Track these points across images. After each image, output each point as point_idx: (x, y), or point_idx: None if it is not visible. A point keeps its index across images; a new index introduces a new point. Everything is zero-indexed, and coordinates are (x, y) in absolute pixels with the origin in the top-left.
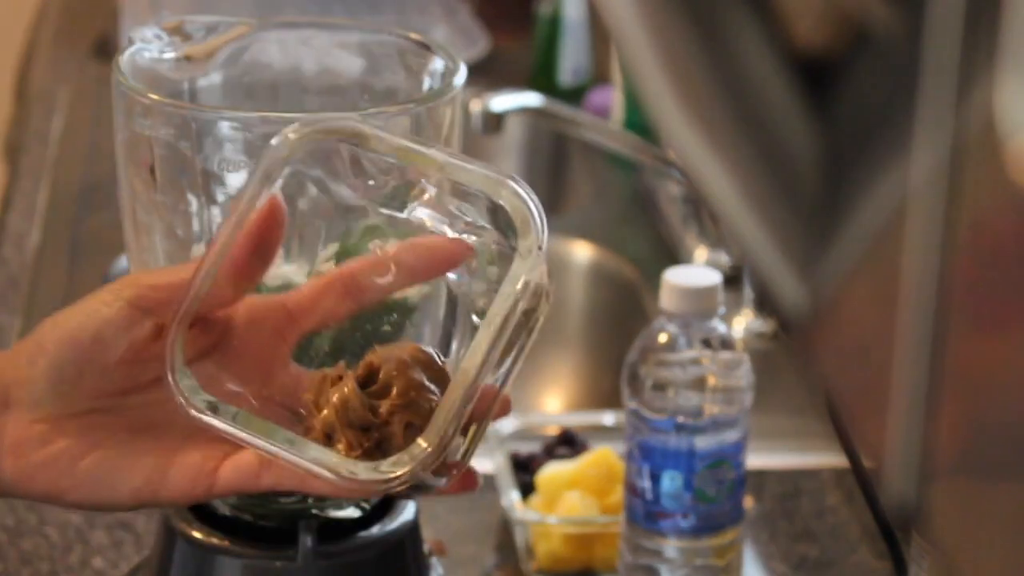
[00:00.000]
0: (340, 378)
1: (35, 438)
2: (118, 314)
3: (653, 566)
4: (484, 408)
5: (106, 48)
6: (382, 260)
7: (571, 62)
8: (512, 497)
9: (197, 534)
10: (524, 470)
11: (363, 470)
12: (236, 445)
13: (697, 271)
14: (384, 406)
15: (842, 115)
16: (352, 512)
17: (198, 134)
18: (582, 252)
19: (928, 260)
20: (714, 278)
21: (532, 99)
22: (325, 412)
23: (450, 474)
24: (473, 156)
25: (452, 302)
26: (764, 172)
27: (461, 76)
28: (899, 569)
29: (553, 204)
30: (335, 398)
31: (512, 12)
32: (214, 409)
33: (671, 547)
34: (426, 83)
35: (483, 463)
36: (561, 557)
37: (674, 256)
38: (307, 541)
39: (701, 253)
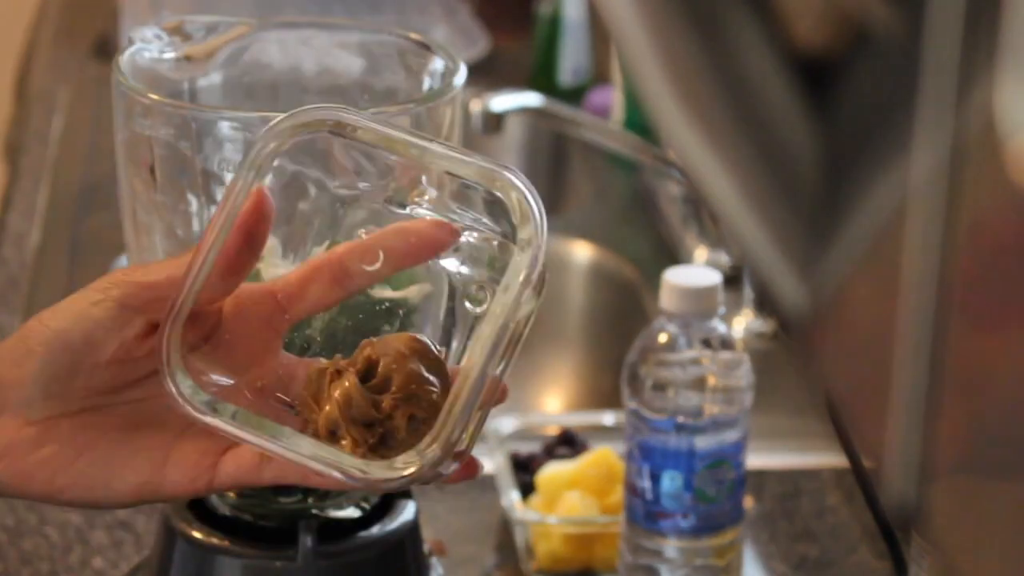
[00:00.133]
0: (338, 372)
1: (28, 440)
2: (108, 314)
3: (653, 566)
4: (487, 397)
5: (106, 48)
6: (369, 245)
7: (571, 62)
8: (512, 497)
9: (197, 534)
10: (524, 470)
11: (372, 468)
12: None
13: (697, 271)
14: (386, 400)
15: (842, 115)
16: (352, 512)
17: (198, 134)
18: (582, 252)
19: (928, 260)
20: (714, 278)
21: (532, 99)
22: (328, 408)
23: (454, 462)
24: None
25: (452, 301)
26: (764, 172)
27: (461, 76)
28: (899, 569)
29: (553, 204)
30: (337, 394)
31: (512, 12)
32: (214, 409)
33: (671, 547)
34: (426, 83)
35: (483, 463)
36: (561, 557)
37: (674, 256)
38: (307, 541)
39: (701, 253)
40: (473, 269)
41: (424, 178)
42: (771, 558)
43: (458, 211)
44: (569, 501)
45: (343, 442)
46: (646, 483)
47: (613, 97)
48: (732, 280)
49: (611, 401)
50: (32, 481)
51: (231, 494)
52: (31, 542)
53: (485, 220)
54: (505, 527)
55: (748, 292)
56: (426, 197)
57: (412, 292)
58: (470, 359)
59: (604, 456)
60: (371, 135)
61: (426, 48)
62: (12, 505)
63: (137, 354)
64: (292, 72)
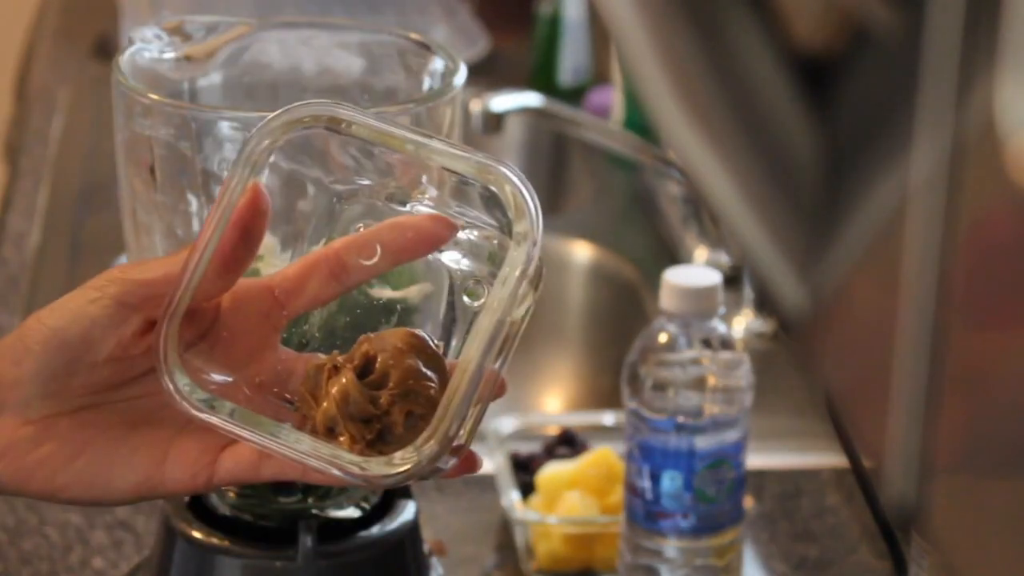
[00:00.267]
0: (336, 368)
1: (27, 439)
2: (105, 312)
3: (653, 566)
4: (485, 392)
5: (106, 48)
6: (366, 239)
7: (571, 62)
8: (512, 497)
9: (197, 534)
10: (524, 470)
11: (370, 465)
12: None
13: (697, 271)
14: (384, 397)
15: (842, 115)
16: (352, 512)
17: (198, 134)
18: (582, 252)
19: (928, 260)
20: (714, 278)
21: (532, 99)
22: (325, 405)
23: (453, 457)
24: None
25: (451, 295)
26: (764, 172)
27: (461, 76)
28: (899, 569)
29: (553, 204)
30: (335, 391)
31: (512, 12)
32: (211, 407)
33: (671, 547)
34: (426, 83)
35: (483, 463)
36: (561, 557)
37: (674, 256)
38: (307, 541)
39: (701, 253)
40: (472, 265)
41: (424, 177)
42: (771, 558)
43: (458, 209)
44: (569, 501)
45: (341, 438)
46: (646, 483)
47: (613, 97)
48: (732, 280)
49: (611, 401)
50: (31, 479)
51: (231, 493)
52: (31, 542)
53: (485, 217)
54: (505, 527)
55: (748, 292)
56: (427, 195)
57: (412, 292)
58: (467, 353)
59: (604, 456)
60: (366, 131)
61: (426, 48)
62: (12, 505)
63: (135, 352)
64: (292, 72)
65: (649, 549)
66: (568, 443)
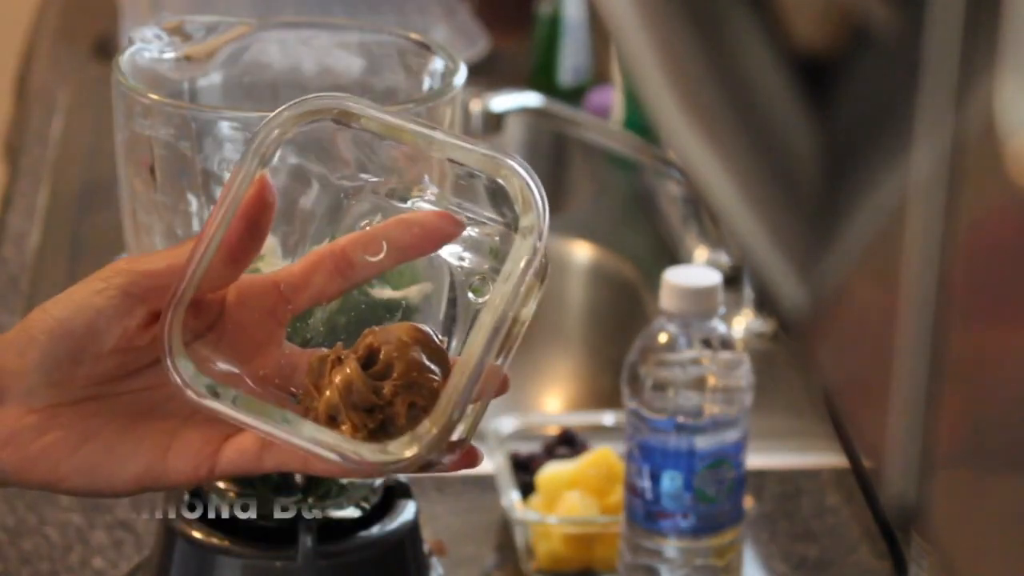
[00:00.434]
0: (339, 359)
1: (30, 429)
2: (110, 303)
3: (653, 566)
4: (487, 387)
5: (106, 48)
6: (372, 236)
7: (571, 62)
8: (512, 497)
9: (197, 534)
10: (524, 470)
11: (370, 452)
12: (236, 426)
13: (697, 271)
14: (387, 387)
15: (842, 115)
16: (352, 512)
17: (198, 134)
18: (582, 252)
19: (928, 259)
20: (714, 278)
21: (532, 99)
22: (328, 394)
23: (453, 452)
24: None
25: (453, 292)
26: (764, 172)
27: (461, 76)
28: (899, 569)
29: (553, 204)
30: (338, 379)
31: (512, 12)
32: (215, 393)
33: (671, 547)
34: (426, 83)
35: (483, 463)
36: (561, 557)
37: (674, 256)
38: (307, 541)
39: (701, 253)
40: (475, 261)
41: (426, 176)
42: (771, 558)
43: (459, 205)
44: (569, 501)
45: (343, 427)
46: (646, 483)
47: (613, 97)
48: (732, 280)
49: (611, 401)
50: (35, 469)
51: (231, 493)
52: (31, 542)
53: (487, 213)
54: (505, 527)
55: (748, 292)
56: (428, 192)
57: (412, 292)
58: (471, 345)
59: (604, 456)
60: (376, 123)
61: (426, 48)
62: (12, 505)
63: (139, 343)
64: (292, 72)
65: (649, 549)
66: (568, 443)
